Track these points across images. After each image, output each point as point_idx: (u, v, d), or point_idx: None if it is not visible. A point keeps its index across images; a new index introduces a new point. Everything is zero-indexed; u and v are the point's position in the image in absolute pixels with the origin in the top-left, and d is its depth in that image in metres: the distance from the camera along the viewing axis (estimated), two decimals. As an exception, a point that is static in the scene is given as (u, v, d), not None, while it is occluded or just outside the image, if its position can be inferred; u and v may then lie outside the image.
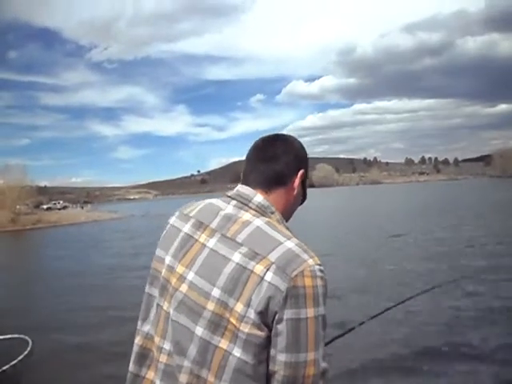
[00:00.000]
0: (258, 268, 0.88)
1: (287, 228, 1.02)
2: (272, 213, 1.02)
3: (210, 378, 0.89)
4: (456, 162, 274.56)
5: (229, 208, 1.02)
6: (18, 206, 41.48)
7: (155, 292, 1.05)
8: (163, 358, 0.97)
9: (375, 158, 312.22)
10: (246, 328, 0.87)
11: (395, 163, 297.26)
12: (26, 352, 1.58)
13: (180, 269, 0.98)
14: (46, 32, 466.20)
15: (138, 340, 1.06)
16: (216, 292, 0.90)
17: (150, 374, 1.02)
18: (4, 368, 1.51)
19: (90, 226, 36.31)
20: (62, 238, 26.77)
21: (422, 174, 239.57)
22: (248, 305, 0.87)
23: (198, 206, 1.08)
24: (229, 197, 1.05)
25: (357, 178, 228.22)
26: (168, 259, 1.02)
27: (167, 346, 0.97)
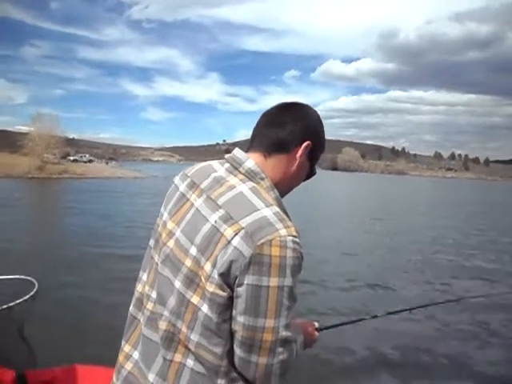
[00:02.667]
0: (228, 231, 0.90)
1: (276, 197, 1.02)
2: (262, 179, 1.02)
3: (183, 329, 0.94)
4: (487, 161, 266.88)
5: (221, 170, 1.04)
6: (45, 155, 42.35)
7: (152, 244, 1.10)
8: (150, 306, 1.03)
9: (403, 148, 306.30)
10: (210, 287, 0.90)
11: (423, 156, 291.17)
12: (31, 293, 1.57)
13: (170, 225, 1.03)
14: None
15: (138, 287, 1.11)
16: (193, 250, 0.94)
17: (141, 319, 1.08)
18: (11, 304, 1.50)
19: (114, 182, 36.99)
20: (87, 189, 27.37)
21: (449, 169, 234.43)
22: (214, 265, 0.90)
23: (197, 166, 1.11)
24: (225, 159, 1.07)
25: (382, 166, 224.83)
26: (165, 215, 1.07)
27: (154, 294, 1.03)
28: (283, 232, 0.89)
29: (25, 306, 1.60)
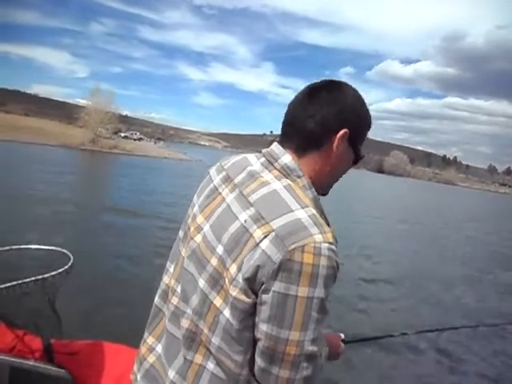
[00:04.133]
0: (257, 233, 0.83)
1: (314, 197, 0.93)
2: (298, 177, 0.93)
3: (205, 330, 0.89)
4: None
5: (256, 165, 0.96)
6: (99, 129, 43.91)
7: (181, 236, 1.05)
8: (174, 300, 0.99)
9: (455, 158, 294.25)
10: (234, 291, 0.84)
11: (476, 167, 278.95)
12: (66, 266, 1.62)
13: (200, 219, 0.97)
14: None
15: (165, 278, 1.07)
16: (220, 249, 0.88)
17: (166, 312, 1.04)
18: (45, 276, 1.54)
19: (160, 162, 37.93)
20: (134, 165, 28.24)
21: (503, 185, 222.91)
22: (240, 269, 0.83)
23: (234, 159, 1.04)
24: (262, 153, 0.99)
25: (430, 173, 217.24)
26: (196, 208, 1.01)
27: (179, 289, 0.98)
28: (318, 238, 0.81)
29: (58, 278, 1.64)
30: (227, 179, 0.98)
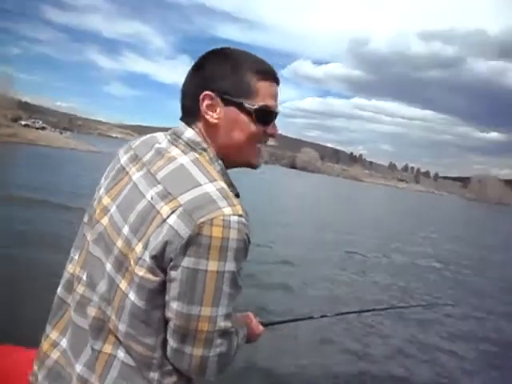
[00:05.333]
0: (165, 209, 0.82)
1: (221, 169, 0.93)
2: (204, 150, 0.93)
3: (113, 317, 0.87)
4: (436, 176, 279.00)
5: (164, 142, 0.95)
6: (-5, 116, 39.84)
7: (86, 220, 1.01)
8: (80, 289, 0.95)
9: (361, 155, 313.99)
10: (140, 271, 0.82)
11: (379, 164, 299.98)
12: None
13: (106, 200, 0.94)
14: None
15: (69, 267, 1.01)
16: (126, 229, 0.86)
17: (71, 303, 0.98)
18: None
19: (66, 152, 35.41)
20: (35, 156, 26.03)
21: (401, 180, 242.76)
22: (146, 247, 0.82)
23: (142, 138, 1.02)
24: (170, 130, 0.99)
25: (339, 169, 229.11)
26: (102, 190, 0.98)
27: (85, 277, 0.95)
28: (227, 211, 0.81)
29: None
30: (135, 158, 0.96)
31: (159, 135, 1.00)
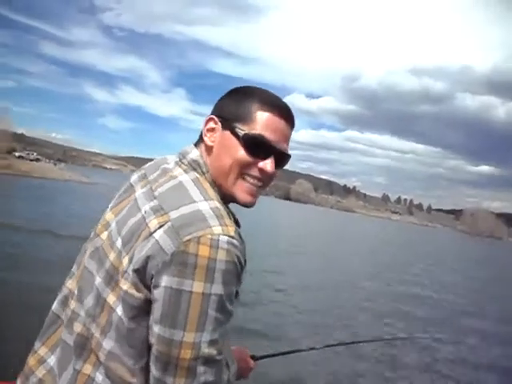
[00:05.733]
0: (153, 223, 0.79)
1: (219, 197, 0.88)
2: (203, 173, 0.92)
3: (97, 334, 0.82)
4: (429, 209, 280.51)
5: (171, 163, 0.96)
6: (-11, 147, 39.90)
7: (90, 236, 1.00)
8: (72, 304, 0.91)
9: (354, 187, 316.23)
10: (124, 285, 0.79)
11: (372, 196, 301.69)
12: None
13: (109, 216, 0.94)
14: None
15: (68, 282, 0.99)
16: (119, 242, 0.84)
17: (64, 319, 0.95)
18: None
19: (60, 184, 35.32)
20: (28, 187, 25.92)
21: (395, 212, 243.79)
22: (131, 260, 0.79)
23: (155, 160, 1.03)
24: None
25: (333, 201, 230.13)
26: (108, 208, 0.99)
27: (76, 291, 0.92)
28: (217, 230, 0.76)
29: None
30: (143, 177, 0.97)
31: (170, 157, 1.00)
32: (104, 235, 0.91)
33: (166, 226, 0.78)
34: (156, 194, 0.86)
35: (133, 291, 0.78)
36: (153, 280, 0.76)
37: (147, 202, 0.85)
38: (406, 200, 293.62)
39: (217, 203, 0.83)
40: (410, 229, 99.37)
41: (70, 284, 0.97)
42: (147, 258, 0.76)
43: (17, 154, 60.74)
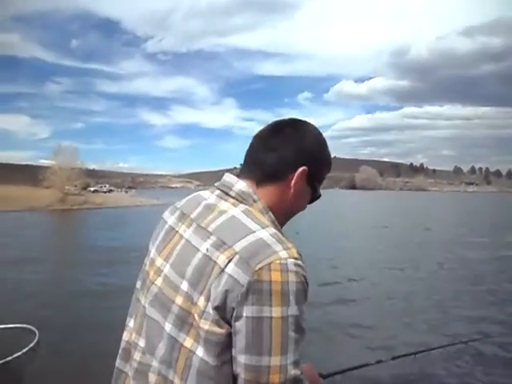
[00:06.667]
0: (221, 258, 0.81)
1: (272, 220, 0.92)
2: (255, 201, 0.93)
3: (176, 380, 0.83)
4: (509, 174, 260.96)
5: (211, 198, 0.96)
6: (67, 187, 43.12)
7: (139, 286, 1.01)
8: (137, 356, 0.93)
9: (422, 164, 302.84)
10: (205, 325, 0.80)
11: (443, 171, 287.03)
12: (31, 344, 1.50)
13: (158, 261, 0.94)
14: (107, 22, 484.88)
15: (125, 335, 1.02)
16: (184, 285, 0.85)
17: (129, 371, 0.97)
18: (8, 359, 1.43)
19: (133, 210, 37.39)
20: (106, 219, 27.72)
21: (470, 184, 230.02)
22: (208, 299, 0.80)
23: (187, 198, 1.03)
24: (215, 186, 0.99)
25: (401, 183, 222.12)
26: (152, 252, 0.99)
27: (142, 342, 0.93)
28: (283, 254, 0.80)
29: (24, 357, 1.53)
30: (182, 216, 0.96)
31: (205, 193, 1.00)
32: (159, 281, 0.91)
33: (235, 259, 0.80)
34: (210, 229, 0.87)
35: (216, 329, 0.79)
36: (234, 313, 0.78)
37: (204, 240, 0.86)
38: (480, 169, 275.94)
39: (273, 229, 0.86)
40: (492, 198, 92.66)
41: (127, 336, 1.00)
42: (225, 293, 0.78)
43: (91, 188, 65.37)
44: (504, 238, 17.35)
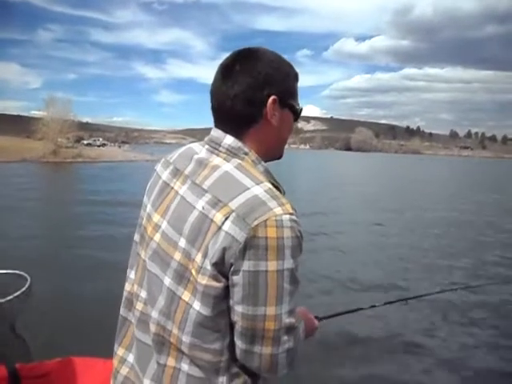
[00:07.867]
0: (218, 216, 0.83)
1: (265, 170, 0.95)
2: (246, 154, 0.93)
3: (174, 330, 0.88)
4: (505, 139, 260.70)
5: (202, 152, 0.96)
6: (59, 139, 42.57)
7: (138, 240, 1.04)
8: (139, 306, 0.98)
9: (418, 128, 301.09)
10: (203, 280, 0.84)
11: (439, 134, 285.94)
12: (23, 289, 1.55)
13: (155, 217, 0.96)
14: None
15: (126, 286, 1.06)
16: (182, 242, 0.88)
17: (133, 319, 1.02)
18: (1, 301, 1.48)
19: (127, 165, 37.25)
20: (100, 173, 27.68)
21: (465, 148, 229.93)
22: (205, 255, 0.83)
23: (178, 151, 1.04)
24: (204, 141, 0.99)
25: (396, 145, 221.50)
26: (148, 207, 1.00)
27: (143, 294, 0.98)
28: (278, 211, 0.82)
29: (17, 301, 1.58)
30: (176, 172, 0.97)
31: (196, 146, 1.01)
32: (157, 237, 0.94)
33: (231, 217, 0.82)
34: (205, 187, 0.88)
35: (213, 283, 0.83)
36: (232, 268, 0.82)
37: (199, 198, 0.88)
38: (477, 133, 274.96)
39: (267, 184, 0.88)
40: (486, 163, 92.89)
41: (129, 287, 1.05)
42: (223, 250, 0.81)
43: (85, 141, 64.52)
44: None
